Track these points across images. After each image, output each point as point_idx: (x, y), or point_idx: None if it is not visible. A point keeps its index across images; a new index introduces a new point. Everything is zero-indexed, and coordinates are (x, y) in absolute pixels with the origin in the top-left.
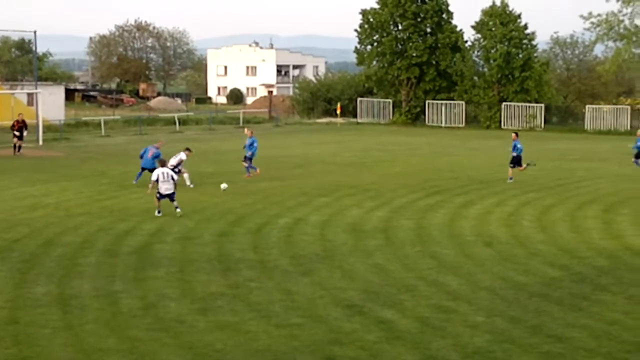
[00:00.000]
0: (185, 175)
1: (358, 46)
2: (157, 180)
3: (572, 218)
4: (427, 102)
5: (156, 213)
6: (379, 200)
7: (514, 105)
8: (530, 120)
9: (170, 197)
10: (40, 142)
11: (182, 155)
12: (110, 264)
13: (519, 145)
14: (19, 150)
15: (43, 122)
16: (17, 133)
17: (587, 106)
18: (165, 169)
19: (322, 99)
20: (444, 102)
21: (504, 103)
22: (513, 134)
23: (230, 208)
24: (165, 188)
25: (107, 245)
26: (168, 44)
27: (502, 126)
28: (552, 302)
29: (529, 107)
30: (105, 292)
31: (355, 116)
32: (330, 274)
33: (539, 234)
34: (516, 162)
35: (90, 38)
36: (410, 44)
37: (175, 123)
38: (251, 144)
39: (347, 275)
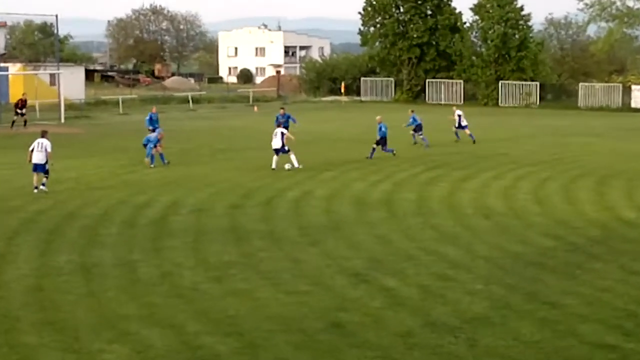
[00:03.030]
0: (292, 157)
1: (362, 28)
2: (32, 150)
3: (566, 190)
4: (427, 80)
5: (34, 189)
6: (382, 174)
7: (511, 84)
8: (526, 97)
9: (40, 168)
10: (62, 120)
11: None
12: (129, 234)
13: (383, 129)
14: (25, 125)
15: (65, 101)
16: (19, 111)
17: (580, 84)
18: (41, 139)
19: (327, 78)
20: (443, 80)
21: (501, 81)
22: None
23: (240, 183)
24: (36, 158)
25: (125, 217)
26: (181, 26)
27: (500, 104)
28: (547, 271)
29: (525, 85)
30: (125, 261)
31: (358, 94)
32: (337, 244)
33: (534, 206)
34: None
35: (108, 21)
36: (412, 25)
37: (188, 102)
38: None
39: (352, 245)
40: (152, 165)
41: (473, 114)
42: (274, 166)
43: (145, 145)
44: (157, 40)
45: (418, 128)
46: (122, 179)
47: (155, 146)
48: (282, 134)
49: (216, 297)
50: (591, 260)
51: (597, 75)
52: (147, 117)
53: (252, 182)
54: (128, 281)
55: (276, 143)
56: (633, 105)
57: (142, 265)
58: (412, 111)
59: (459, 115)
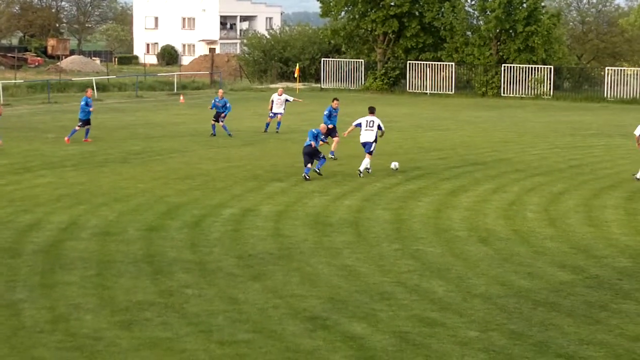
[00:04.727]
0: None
1: None
2: None
3: (588, 208)
4: (408, 63)
5: None
6: (348, 185)
7: (517, 68)
8: (537, 85)
9: None
10: None
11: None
12: (10, 266)
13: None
14: None
15: None
16: None
17: (607, 68)
18: None
19: (276, 59)
20: (429, 63)
21: (503, 65)
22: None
23: (161, 196)
24: None
25: (5, 242)
26: None
27: (502, 93)
28: (562, 313)
29: (535, 69)
30: (4, 302)
31: (318, 81)
32: (287, 278)
33: (546, 228)
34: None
35: None
36: None
37: (92, 89)
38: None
39: (307, 279)
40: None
41: (468, 107)
42: (364, 167)
43: None
44: (52, 8)
45: (220, 114)
46: (0, 192)
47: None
48: (380, 126)
49: (126, 349)
50: (620, 300)
51: (628, 57)
52: (83, 103)
53: (176, 197)
54: (8, 328)
55: (370, 136)
56: None
57: (27, 307)
58: (222, 93)
59: (285, 100)
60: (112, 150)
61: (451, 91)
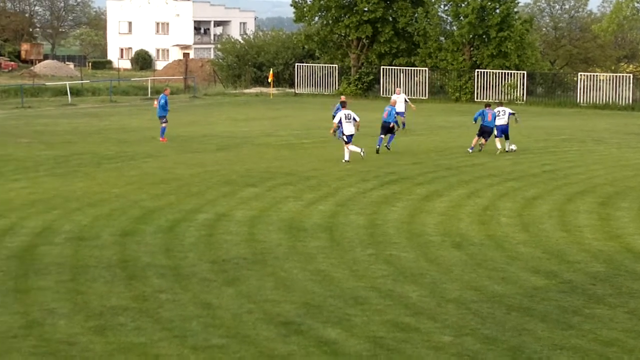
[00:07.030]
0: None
1: None
2: None
3: (561, 213)
4: (382, 68)
5: None
6: (322, 190)
7: (490, 73)
8: (510, 91)
9: None
10: None
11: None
12: None
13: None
14: None
15: None
16: None
17: (579, 74)
18: None
19: (250, 64)
20: (402, 68)
21: (477, 70)
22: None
23: (136, 201)
24: None
25: None
26: None
27: (476, 98)
28: (535, 318)
29: (508, 74)
30: None
31: (292, 86)
32: (261, 283)
33: (520, 233)
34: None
35: None
36: None
37: (66, 93)
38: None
39: (281, 284)
40: None
41: (441, 112)
42: (347, 158)
43: None
44: (25, 12)
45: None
46: None
47: None
48: (355, 119)
49: (100, 354)
50: (593, 304)
51: (601, 62)
52: (162, 102)
53: (150, 201)
54: None
55: (351, 129)
56: None
57: (1, 313)
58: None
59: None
60: (86, 155)
61: (425, 96)
